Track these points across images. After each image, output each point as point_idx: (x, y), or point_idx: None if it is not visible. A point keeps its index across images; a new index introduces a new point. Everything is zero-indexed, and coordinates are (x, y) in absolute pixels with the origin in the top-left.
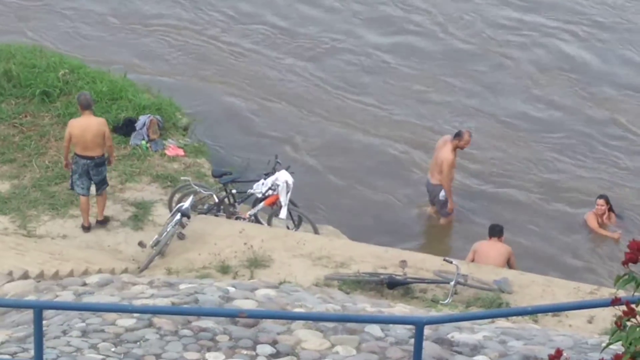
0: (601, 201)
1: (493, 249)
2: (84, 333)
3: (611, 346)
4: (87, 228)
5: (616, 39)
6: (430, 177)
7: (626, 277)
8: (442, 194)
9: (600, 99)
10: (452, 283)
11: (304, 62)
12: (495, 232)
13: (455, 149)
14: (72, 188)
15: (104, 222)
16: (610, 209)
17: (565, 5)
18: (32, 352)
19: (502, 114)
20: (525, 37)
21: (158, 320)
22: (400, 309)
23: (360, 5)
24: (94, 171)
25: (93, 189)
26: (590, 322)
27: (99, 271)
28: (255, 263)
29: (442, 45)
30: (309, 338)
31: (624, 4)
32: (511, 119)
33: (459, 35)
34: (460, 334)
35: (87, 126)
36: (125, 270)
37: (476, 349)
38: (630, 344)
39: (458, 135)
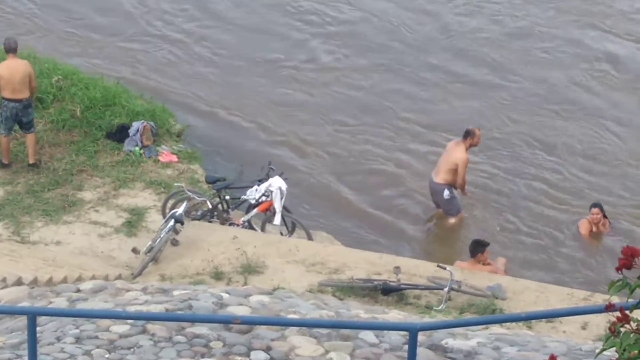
0: (595, 210)
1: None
2: (78, 339)
3: (605, 352)
4: (6, 165)
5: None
6: (435, 176)
7: (620, 283)
8: (446, 192)
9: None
10: (446, 289)
11: (301, 69)
12: (473, 253)
13: (468, 148)
14: None
15: (34, 165)
16: (604, 216)
17: None
18: (25, 359)
19: (499, 118)
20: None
21: (152, 326)
22: (394, 315)
23: (357, 12)
24: (22, 113)
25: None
26: (584, 328)
27: (93, 277)
28: (249, 269)
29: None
30: (303, 344)
31: None
32: (507, 122)
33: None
34: (454, 340)
35: (15, 68)
36: (119, 277)
37: (470, 355)
38: (624, 350)
39: (470, 134)
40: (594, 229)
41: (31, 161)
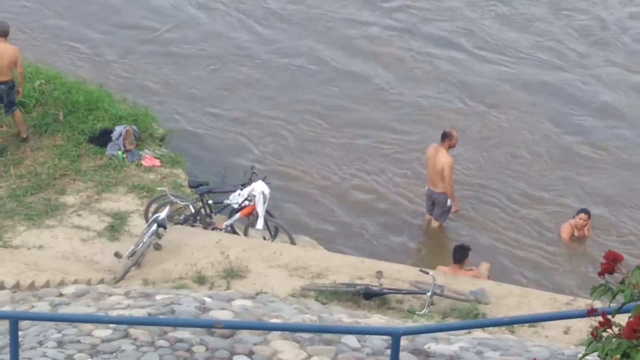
0: (584, 215)
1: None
2: (60, 344)
3: (587, 357)
4: None
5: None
6: (433, 187)
7: (602, 287)
8: (449, 201)
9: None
10: (429, 294)
11: (283, 71)
12: (456, 258)
13: (449, 149)
14: None
15: (27, 139)
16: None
17: None
18: None
19: (483, 120)
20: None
21: (134, 330)
22: (377, 319)
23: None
24: (7, 94)
25: None
26: (566, 332)
27: (75, 282)
28: (232, 274)
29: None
30: (286, 349)
31: None
32: (492, 126)
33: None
34: (437, 345)
35: (3, 52)
36: (102, 281)
37: (453, 359)
38: (607, 354)
39: (447, 136)
40: (576, 233)
41: (24, 135)
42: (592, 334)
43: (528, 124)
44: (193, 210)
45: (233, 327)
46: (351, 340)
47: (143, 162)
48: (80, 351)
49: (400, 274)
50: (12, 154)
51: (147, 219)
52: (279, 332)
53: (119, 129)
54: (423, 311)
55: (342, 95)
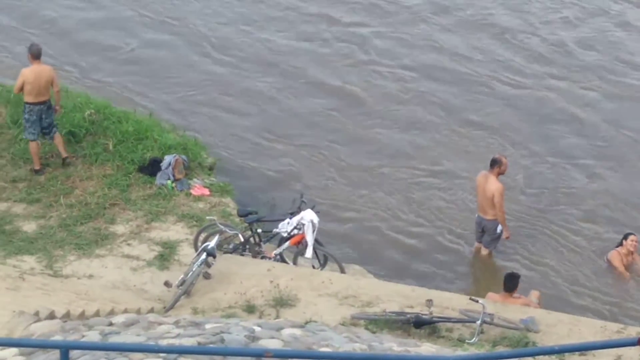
0: (634, 237)
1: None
2: None
3: None
4: (38, 171)
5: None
6: (483, 214)
7: None
8: (499, 228)
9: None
10: (479, 322)
11: (328, 102)
12: (506, 286)
13: (498, 176)
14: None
15: (67, 159)
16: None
17: None
18: None
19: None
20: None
21: (184, 359)
22: (427, 348)
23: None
24: (46, 114)
25: None
26: None
27: (125, 311)
28: (281, 302)
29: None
30: None
31: None
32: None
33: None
34: None
35: (40, 73)
36: (151, 310)
37: None
38: None
39: (497, 163)
40: (625, 260)
41: (64, 155)
42: None
43: (569, 154)
44: (242, 239)
45: (283, 356)
46: None
47: (192, 191)
48: None
49: (450, 302)
50: (62, 183)
51: (196, 248)
52: None
53: (168, 158)
54: (473, 339)
55: (389, 125)
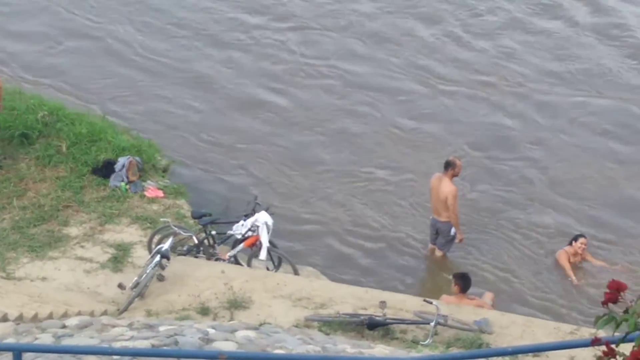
0: (584, 240)
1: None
2: None
3: None
4: None
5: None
6: (437, 216)
7: (606, 317)
8: (452, 230)
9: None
10: (433, 324)
11: (283, 98)
12: (461, 287)
13: (452, 178)
14: None
15: None
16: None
17: None
18: None
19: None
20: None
21: None
22: (381, 349)
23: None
24: None
25: None
26: None
27: (79, 313)
28: (235, 304)
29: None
30: None
31: None
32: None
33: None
34: None
35: None
36: (105, 313)
37: None
38: None
39: (451, 165)
40: (572, 259)
41: None
42: None
43: (519, 152)
44: (196, 241)
45: (237, 358)
46: None
47: (146, 193)
48: None
49: (403, 304)
50: (15, 185)
51: (150, 250)
52: None
53: (122, 160)
54: (427, 341)
55: (343, 125)
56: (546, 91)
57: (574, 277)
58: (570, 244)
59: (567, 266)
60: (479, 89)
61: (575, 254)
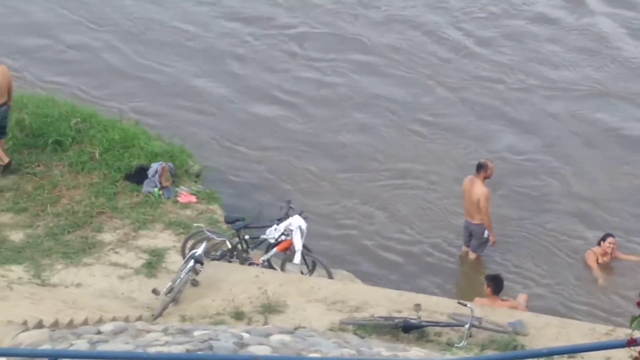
0: (612, 240)
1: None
2: None
3: None
4: (9, 165)
5: None
6: (470, 218)
7: None
8: (486, 232)
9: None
10: (467, 326)
11: (315, 108)
12: (493, 289)
13: (484, 180)
14: None
15: (9, 164)
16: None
17: None
18: None
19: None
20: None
21: None
22: (416, 352)
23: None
24: (4, 115)
25: None
26: None
27: (113, 319)
28: (270, 308)
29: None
30: None
31: None
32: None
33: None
34: None
35: (2, 73)
36: (140, 318)
37: None
38: None
39: (483, 167)
40: (600, 260)
41: (6, 161)
42: None
43: (555, 155)
44: (230, 246)
45: None
46: None
47: (179, 199)
48: None
49: (438, 307)
50: (49, 192)
51: (184, 256)
52: None
53: (154, 166)
54: (461, 343)
55: (374, 133)
56: (559, 90)
57: (600, 278)
58: (599, 244)
59: (594, 266)
60: (486, 90)
61: (605, 253)
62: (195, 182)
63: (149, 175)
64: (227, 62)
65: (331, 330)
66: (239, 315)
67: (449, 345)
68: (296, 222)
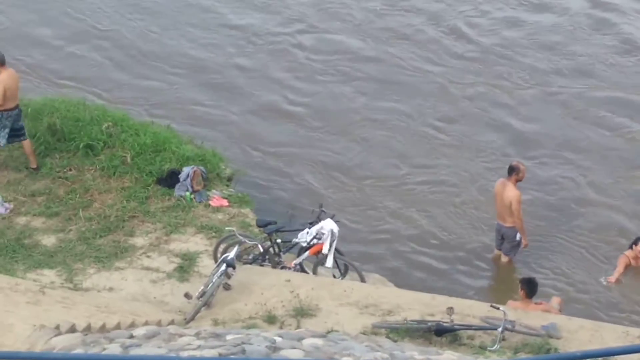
0: None
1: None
2: None
3: None
4: (36, 169)
5: None
6: (502, 221)
7: None
8: (518, 235)
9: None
10: (500, 329)
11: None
12: (527, 293)
13: (516, 183)
14: None
15: (38, 169)
16: None
17: None
18: None
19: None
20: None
21: None
22: (449, 356)
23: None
24: (18, 118)
25: None
26: None
27: (146, 323)
28: (302, 312)
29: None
30: None
31: None
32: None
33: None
34: None
35: (13, 77)
36: (172, 322)
37: None
38: None
39: (514, 170)
40: (633, 263)
41: (34, 165)
42: None
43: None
44: (262, 250)
45: None
46: None
47: (211, 203)
48: None
49: (471, 310)
50: (81, 196)
51: (216, 259)
52: None
53: (186, 170)
54: (495, 347)
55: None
56: (570, 87)
57: (614, 279)
58: (631, 247)
59: (619, 269)
60: (499, 88)
61: (637, 257)
62: (227, 185)
63: (181, 179)
64: (268, 66)
65: (364, 333)
66: (271, 319)
67: (482, 348)
68: (328, 225)
